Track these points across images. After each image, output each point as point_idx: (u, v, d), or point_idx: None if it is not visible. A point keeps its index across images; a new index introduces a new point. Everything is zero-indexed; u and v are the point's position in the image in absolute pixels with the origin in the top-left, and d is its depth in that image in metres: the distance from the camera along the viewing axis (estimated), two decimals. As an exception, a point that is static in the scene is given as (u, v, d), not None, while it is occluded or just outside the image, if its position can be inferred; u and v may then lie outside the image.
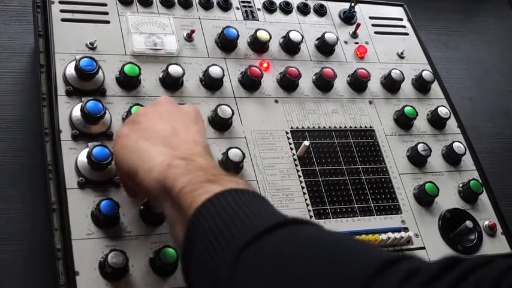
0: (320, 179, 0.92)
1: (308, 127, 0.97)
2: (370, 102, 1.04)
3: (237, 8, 1.05)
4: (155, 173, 0.66)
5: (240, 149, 0.87)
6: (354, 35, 1.11)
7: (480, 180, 1.00)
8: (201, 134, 0.74)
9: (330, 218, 0.89)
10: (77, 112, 0.83)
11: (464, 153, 1.02)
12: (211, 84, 0.94)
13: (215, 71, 0.94)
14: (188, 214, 0.61)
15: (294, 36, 1.03)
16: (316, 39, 1.07)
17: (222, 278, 0.54)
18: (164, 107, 0.77)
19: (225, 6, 1.04)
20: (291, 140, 0.94)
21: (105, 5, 0.96)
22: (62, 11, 0.93)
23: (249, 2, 1.07)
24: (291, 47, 1.03)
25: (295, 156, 0.93)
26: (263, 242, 0.55)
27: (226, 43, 0.99)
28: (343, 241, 0.57)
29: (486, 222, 0.97)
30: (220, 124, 0.91)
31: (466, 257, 0.93)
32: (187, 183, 0.63)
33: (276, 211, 0.62)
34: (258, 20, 1.06)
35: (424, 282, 0.47)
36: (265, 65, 1.00)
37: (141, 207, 0.79)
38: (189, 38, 0.98)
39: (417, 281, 0.47)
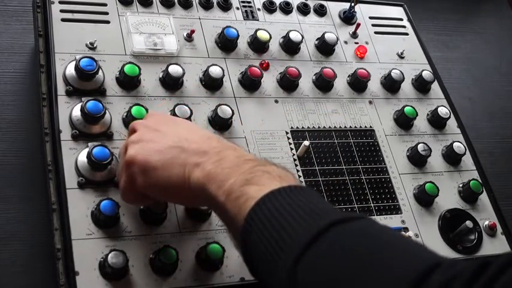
0: (320, 179, 0.92)
1: (308, 127, 0.97)
2: (370, 102, 1.04)
3: (237, 8, 1.05)
4: (195, 184, 0.67)
5: (240, 149, 0.87)
6: (354, 35, 1.11)
7: (480, 180, 1.00)
8: (198, 127, 0.76)
9: (330, 218, 0.89)
10: (77, 112, 0.83)
11: (464, 153, 1.02)
12: (211, 84, 0.94)
13: (215, 71, 0.94)
14: (238, 223, 0.62)
15: (294, 36, 1.03)
16: (316, 39, 1.07)
17: None
18: (148, 123, 0.76)
19: (225, 6, 1.04)
20: (291, 140, 0.94)
21: (105, 5, 0.96)
22: (62, 11, 0.93)
23: (249, 2, 1.07)
24: (291, 47, 1.03)
25: (295, 156, 0.93)
26: (319, 245, 0.56)
27: (226, 43, 0.99)
28: (391, 240, 0.57)
29: (486, 222, 0.97)
30: (220, 124, 0.91)
31: (466, 257, 0.93)
32: (229, 190, 0.64)
33: (317, 207, 0.61)
34: (258, 20, 1.06)
35: (462, 285, 0.48)
36: (265, 65, 1.00)
37: (141, 207, 0.79)
38: (189, 38, 0.98)
39: (456, 284, 0.48)
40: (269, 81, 0.99)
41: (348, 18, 1.13)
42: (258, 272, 0.63)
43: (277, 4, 1.08)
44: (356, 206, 0.92)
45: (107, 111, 0.84)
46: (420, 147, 0.99)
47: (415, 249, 0.56)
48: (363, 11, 1.15)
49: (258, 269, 0.63)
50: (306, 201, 0.61)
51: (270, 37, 1.01)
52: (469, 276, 0.49)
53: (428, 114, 1.06)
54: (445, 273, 0.50)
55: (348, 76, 1.05)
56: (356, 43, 1.10)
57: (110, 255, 0.73)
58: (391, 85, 1.06)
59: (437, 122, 1.06)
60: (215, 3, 1.04)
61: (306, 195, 0.63)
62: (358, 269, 0.53)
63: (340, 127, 0.99)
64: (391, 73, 1.06)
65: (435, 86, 1.11)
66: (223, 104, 0.91)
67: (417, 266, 0.51)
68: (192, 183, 0.67)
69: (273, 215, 0.60)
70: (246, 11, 1.06)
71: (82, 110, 0.82)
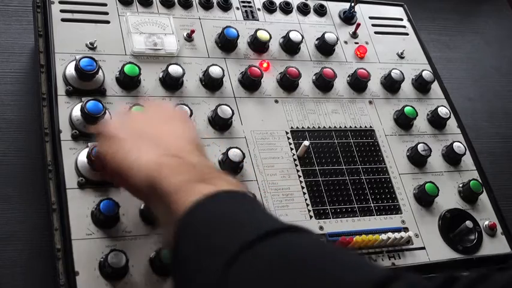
0: (320, 179, 0.92)
1: (308, 127, 0.97)
2: (370, 102, 1.04)
3: (237, 8, 1.05)
4: (145, 171, 0.65)
5: (240, 149, 0.87)
6: (354, 35, 1.11)
7: (480, 180, 1.00)
8: (193, 133, 0.73)
9: (330, 218, 0.89)
10: (77, 112, 0.83)
11: (464, 153, 1.02)
12: (211, 84, 0.94)
13: (215, 71, 0.94)
14: (178, 216, 0.58)
15: (294, 36, 1.03)
16: (316, 39, 1.07)
17: None
18: (156, 110, 0.76)
19: (225, 6, 1.04)
20: (291, 140, 0.94)
21: (105, 5, 0.96)
22: (62, 11, 0.93)
23: (249, 2, 1.07)
24: (291, 47, 1.03)
25: (295, 156, 0.93)
26: (254, 252, 0.52)
27: (226, 43, 0.99)
28: (337, 252, 0.55)
29: (486, 222, 0.97)
30: (220, 124, 0.91)
31: (466, 257, 0.93)
32: (179, 183, 0.61)
33: (267, 216, 0.59)
34: (258, 20, 1.06)
35: None
36: (265, 65, 1.00)
37: (141, 207, 0.79)
38: (189, 38, 0.98)
39: None
40: (269, 81, 0.99)
41: (348, 18, 1.13)
42: (186, 271, 0.57)
43: (277, 4, 1.08)
44: (356, 206, 0.92)
45: (106, 111, 0.84)
46: (420, 147, 0.99)
47: (363, 263, 0.54)
48: (363, 11, 1.15)
49: (184, 268, 0.57)
50: (256, 208, 0.60)
51: (270, 37, 1.01)
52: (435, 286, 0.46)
53: (428, 114, 1.06)
54: (405, 284, 0.47)
55: (348, 76, 1.05)
56: (356, 43, 1.10)
57: (110, 255, 0.73)
58: (391, 85, 1.06)
59: (437, 122, 1.06)
60: (215, 3, 1.04)
61: (257, 203, 0.61)
62: (303, 279, 0.49)
63: (340, 127, 0.99)
64: (391, 73, 1.06)
65: (435, 86, 1.11)
66: (223, 104, 0.91)
67: (372, 275, 0.48)
68: (141, 170, 0.65)
69: (220, 213, 0.57)
70: (246, 11, 1.06)
71: (82, 110, 0.82)
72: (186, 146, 0.69)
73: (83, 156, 0.80)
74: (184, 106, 0.88)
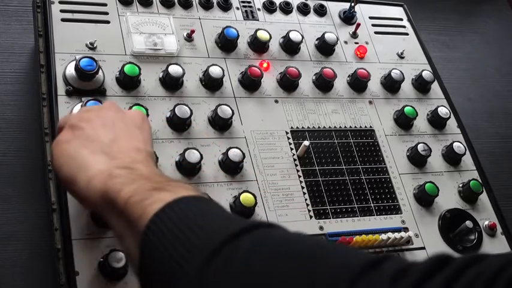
0: (320, 179, 0.92)
1: (308, 127, 0.97)
2: (370, 102, 1.04)
3: (237, 8, 1.05)
4: (95, 183, 0.63)
5: (240, 149, 0.87)
6: (354, 35, 1.11)
7: (480, 180, 1.00)
8: (144, 141, 0.72)
9: (330, 218, 0.89)
10: (77, 112, 0.83)
11: (464, 153, 1.02)
12: (211, 84, 0.94)
13: (215, 71, 0.94)
14: (140, 226, 0.57)
15: (294, 36, 1.03)
16: (316, 39, 1.07)
17: None
18: (108, 114, 0.73)
19: (225, 6, 1.04)
20: (291, 140, 0.94)
21: (105, 5, 0.96)
22: (62, 11, 0.93)
23: (249, 2, 1.07)
24: (291, 47, 1.03)
25: (295, 156, 0.93)
26: (229, 250, 0.51)
27: (226, 43, 0.99)
28: (319, 243, 0.54)
29: (486, 222, 0.97)
30: (220, 124, 0.91)
31: (466, 257, 0.93)
32: (134, 192, 0.60)
33: (236, 217, 0.59)
34: (258, 20, 1.06)
35: (415, 282, 0.45)
36: (265, 65, 1.00)
37: None
38: (189, 38, 0.98)
39: (408, 281, 0.45)
40: (269, 81, 0.99)
41: (348, 18, 1.13)
42: (152, 282, 0.55)
43: (277, 4, 1.08)
44: (356, 206, 0.92)
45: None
46: (420, 147, 0.99)
47: (349, 249, 0.53)
48: (363, 11, 1.15)
49: (153, 278, 0.55)
50: (223, 211, 0.60)
51: (270, 37, 1.01)
52: (421, 273, 0.45)
53: (428, 114, 1.06)
54: (397, 262, 0.47)
55: (348, 76, 1.05)
56: (356, 43, 1.10)
57: (110, 255, 0.73)
58: (391, 85, 1.06)
59: (437, 122, 1.06)
60: (215, 3, 1.04)
61: (223, 209, 0.61)
62: (284, 271, 0.48)
63: (340, 127, 0.99)
64: (391, 73, 1.06)
65: (435, 86, 1.11)
66: (223, 104, 0.91)
67: (357, 262, 0.47)
68: (92, 182, 0.64)
69: (187, 216, 0.55)
70: (246, 11, 1.06)
71: (82, 110, 0.82)
72: (137, 155, 0.67)
73: (83, 156, 0.80)
74: (184, 106, 0.88)
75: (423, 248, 0.91)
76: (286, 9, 1.09)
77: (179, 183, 0.63)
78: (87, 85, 0.86)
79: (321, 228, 0.88)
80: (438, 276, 0.45)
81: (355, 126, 1.00)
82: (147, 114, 0.85)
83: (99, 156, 0.67)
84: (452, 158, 1.02)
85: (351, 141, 0.98)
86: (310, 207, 0.89)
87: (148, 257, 0.56)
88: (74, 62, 0.85)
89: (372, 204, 0.93)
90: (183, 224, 0.55)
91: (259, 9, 1.07)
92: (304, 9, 1.10)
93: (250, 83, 0.96)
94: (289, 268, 0.49)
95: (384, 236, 0.88)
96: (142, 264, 0.56)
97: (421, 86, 1.09)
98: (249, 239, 0.52)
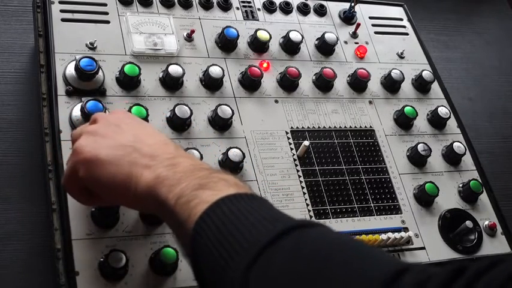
0: (320, 179, 0.92)
1: (308, 127, 0.97)
2: (370, 102, 1.04)
3: (237, 8, 1.05)
4: (144, 186, 0.64)
5: (240, 149, 0.87)
6: (354, 35, 1.11)
7: (480, 180, 1.00)
8: (158, 132, 0.72)
9: (330, 218, 0.89)
10: (77, 112, 0.83)
11: (464, 153, 1.02)
12: (211, 84, 0.94)
13: (215, 71, 0.94)
14: (188, 228, 0.59)
15: (294, 36, 1.03)
16: (316, 39, 1.07)
17: None
18: (108, 120, 0.72)
19: (225, 6, 1.04)
20: (291, 140, 0.94)
21: (105, 5, 0.96)
22: (62, 11, 0.93)
23: (249, 2, 1.07)
24: (291, 47, 1.03)
25: (295, 156, 0.93)
26: (271, 253, 0.53)
27: (226, 43, 0.99)
28: (354, 244, 0.55)
29: (486, 222, 0.97)
30: (220, 124, 0.91)
31: (466, 257, 0.93)
32: (180, 194, 0.61)
33: (276, 214, 0.60)
34: (258, 20, 1.06)
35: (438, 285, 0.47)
36: (265, 65, 1.00)
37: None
38: (189, 38, 0.98)
39: (430, 286, 0.47)
40: (269, 81, 0.99)
41: (348, 18, 1.13)
42: (206, 281, 0.59)
43: (277, 4, 1.08)
44: (356, 206, 0.92)
45: (107, 111, 0.84)
46: (420, 147, 0.99)
47: (379, 254, 0.54)
48: (363, 11, 1.15)
49: (206, 277, 0.59)
50: (263, 208, 0.60)
51: (270, 37, 1.01)
52: (445, 277, 0.47)
53: (428, 114, 1.06)
54: (417, 275, 0.48)
55: (348, 76, 1.05)
56: (356, 43, 1.10)
57: (110, 255, 0.73)
58: (391, 85, 1.06)
59: (437, 122, 1.06)
60: (215, 3, 1.04)
61: (262, 202, 0.61)
62: (321, 273, 0.50)
63: (340, 127, 0.99)
64: (391, 73, 1.06)
65: (435, 86, 1.11)
66: (223, 104, 0.91)
67: (386, 268, 0.49)
68: (140, 186, 0.64)
69: (228, 219, 0.57)
70: (246, 11, 1.06)
71: (82, 110, 0.82)
72: (169, 149, 0.68)
73: (83, 156, 0.80)
74: (184, 106, 0.88)
75: (423, 248, 0.91)
76: (286, 9, 1.09)
77: (221, 175, 0.64)
78: (87, 85, 0.86)
79: (321, 228, 0.88)
80: (458, 282, 0.46)
81: (355, 126, 1.00)
82: (147, 114, 0.85)
83: (135, 158, 0.66)
84: (452, 158, 1.02)
85: (351, 141, 0.98)
86: (310, 207, 0.89)
87: (198, 258, 0.59)
88: (74, 62, 0.85)
89: (372, 204, 0.93)
90: (222, 231, 0.56)
91: (259, 9, 1.07)
92: (304, 9, 1.10)
93: (250, 83, 0.96)
94: (323, 273, 0.51)
95: (384, 236, 0.88)
96: (194, 265, 0.60)
97: (421, 86, 1.09)
98: (286, 244, 0.54)
